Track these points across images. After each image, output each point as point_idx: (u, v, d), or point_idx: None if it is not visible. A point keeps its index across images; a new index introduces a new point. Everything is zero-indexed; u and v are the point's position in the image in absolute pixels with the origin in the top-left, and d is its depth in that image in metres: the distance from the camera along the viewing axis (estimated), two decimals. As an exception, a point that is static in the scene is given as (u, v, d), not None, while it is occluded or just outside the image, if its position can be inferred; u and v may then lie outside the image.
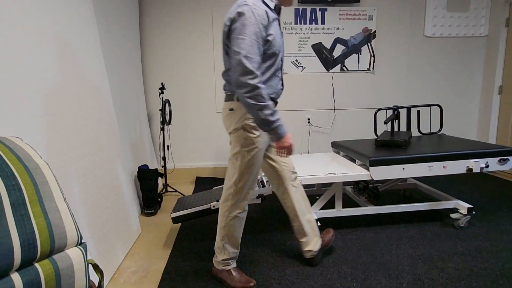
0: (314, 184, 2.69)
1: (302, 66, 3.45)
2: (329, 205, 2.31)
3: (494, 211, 2.46)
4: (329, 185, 2.18)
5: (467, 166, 2.08)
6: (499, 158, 2.10)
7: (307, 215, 1.70)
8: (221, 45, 1.43)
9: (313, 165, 2.25)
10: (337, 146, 2.58)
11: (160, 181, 3.13)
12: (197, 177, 3.43)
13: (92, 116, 1.77)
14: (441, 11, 3.48)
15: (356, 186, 2.44)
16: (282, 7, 1.41)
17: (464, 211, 2.15)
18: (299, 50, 3.42)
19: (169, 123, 2.91)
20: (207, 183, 3.29)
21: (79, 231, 0.87)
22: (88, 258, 0.89)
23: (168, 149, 3.03)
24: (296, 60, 3.44)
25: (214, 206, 1.97)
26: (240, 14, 1.25)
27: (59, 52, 1.53)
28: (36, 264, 0.78)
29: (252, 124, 1.40)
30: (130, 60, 2.89)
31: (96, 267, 0.94)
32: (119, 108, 2.48)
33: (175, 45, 3.32)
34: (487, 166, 2.09)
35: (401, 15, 3.48)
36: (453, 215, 2.18)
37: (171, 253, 1.93)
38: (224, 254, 1.59)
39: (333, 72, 3.50)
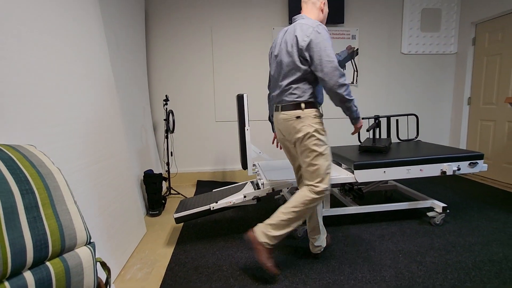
0: (305, 186, 2.68)
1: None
2: (318, 205, 2.30)
3: (466, 209, 2.47)
4: (318, 187, 2.19)
5: (441, 169, 2.09)
6: (469, 161, 2.11)
7: (320, 216, 1.71)
8: (284, 59, 1.48)
9: (304, 169, 2.24)
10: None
11: (164, 184, 3.10)
12: (198, 181, 3.41)
13: (104, 126, 1.75)
14: (416, 31, 3.54)
15: (342, 188, 2.43)
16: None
17: (439, 210, 2.16)
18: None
19: (172, 132, 2.89)
20: (207, 186, 3.27)
21: (88, 231, 0.85)
22: (96, 257, 0.87)
23: (171, 155, 3.00)
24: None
25: (213, 207, 1.95)
26: (319, 32, 1.39)
27: (73, 68, 1.52)
28: (48, 263, 0.75)
29: (321, 126, 1.48)
30: (138, 74, 2.89)
31: (103, 265, 0.91)
32: (128, 118, 2.47)
33: (178, 60, 3.32)
34: (458, 169, 2.10)
35: (380, 35, 3.53)
36: (430, 214, 2.19)
37: (174, 251, 1.90)
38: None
39: (320, 85, 3.52)
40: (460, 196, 2.81)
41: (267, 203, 2.74)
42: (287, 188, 2.54)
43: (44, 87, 1.29)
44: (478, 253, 1.79)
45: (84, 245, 0.84)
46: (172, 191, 3.00)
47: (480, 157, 2.12)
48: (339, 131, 3.59)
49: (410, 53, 3.59)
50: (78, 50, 1.59)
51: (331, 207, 2.16)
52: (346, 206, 2.23)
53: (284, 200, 2.70)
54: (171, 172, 3.14)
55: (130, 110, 2.55)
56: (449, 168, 2.08)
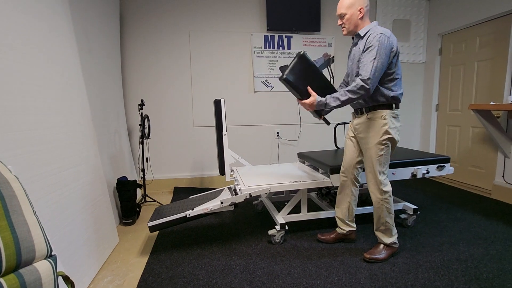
0: (283, 191, 2.69)
1: (271, 86, 3.50)
2: (296, 209, 2.31)
3: (435, 210, 2.58)
4: (295, 191, 2.19)
5: (411, 172, 2.17)
6: (437, 165, 2.21)
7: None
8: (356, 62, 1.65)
9: (282, 174, 2.26)
10: (303, 157, 2.61)
11: (139, 191, 3.00)
12: (175, 187, 3.34)
13: (73, 132, 1.67)
14: (387, 40, 3.70)
15: (319, 192, 2.47)
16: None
17: (411, 212, 2.23)
18: (268, 72, 3.47)
19: (148, 137, 2.82)
20: (184, 193, 3.20)
21: (49, 243, 0.80)
22: (58, 271, 0.82)
23: (147, 161, 2.92)
24: (266, 80, 3.48)
25: (189, 215, 1.90)
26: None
27: (37, 69, 1.44)
28: (1, 279, 0.69)
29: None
30: (112, 78, 2.80)
31: (66, 279, 0.86)
32: (100, 123, 2.38)
33: (155, 65, 3.26)
34: (428, 172, 2.19)
35: (354, 43, 3.65)
36: (402, 216, 2.26)
37: (148, 261, 1.83)
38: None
39: (298, 91, 3.58)
40: (429, 198, 2.93)
41: (245, 209, 2.72)
42: (265, 194, 2.54)
43: (3, 90, 1.20)
44: (446, 252, 1.86)
45: (44, 259, 0.78)
46: (147, 199, 2.91)
47: (447, 160, 2.23)
48: (315, 136, 3.66)
49: (383, 62, 3.74)
50: (45, 52, 1.51)
51: (308, 211, 2.18)
52: (323, 210, 2.26)
53: (262, 206, 2.69)
54: (146, 178, 3.06)
55: (103, 115, 2.46)
56: (419, 171, 2.17)
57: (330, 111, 1.75)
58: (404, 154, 2.37)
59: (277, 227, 2.00)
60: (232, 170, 2.47)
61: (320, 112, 1.76)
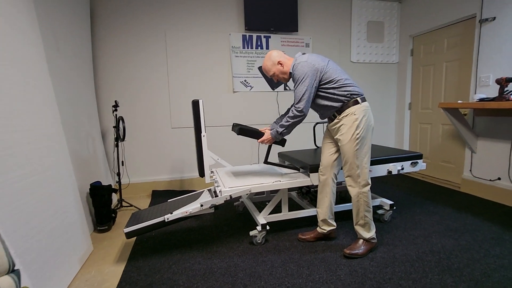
0: (264, 192, 2.69)
1: (250, 86, 3.49)
2: (277, 209, 2.32)
3: (409, 205, 2.68)
4: (276, 191, 2.20)
5: (387, 169, 2.24)
6: (411, 161, 2.30)
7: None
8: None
9: (262, 174, 2.26)
10: (283, 156, 2.62)
11: (115, 196, 2.90)
12: (153, 191, 3.27)
13: (39, 135, 1.57)
14: (363, 41, 3.81)
15: (300, 191, 2.49)
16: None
17: (387, 207, 2.31)
18: (247, 71, 3.46)
19: (123, 140, 2.72)
20: (163, 196, 3.14)
21: (10, 258, 0.74)
22: (23, 286, 0.76)
23: (122, 164, 2.83)
24: (245, 80, 3.47)
25: (168, 219, 1.86)
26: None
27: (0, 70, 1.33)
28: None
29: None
30: (83, 78, 2.67)
31: (33, 294, 0.79)
32: (71, 126, 2.26)
33: (129, 65, 3.15)
34: (402, 168, 2.27)
35: (332, 43, 3.73)
36: (379, 211, 2.33)
37: (125, 269, 1.76)
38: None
39: (277, 91, 3.60)
40: (404, 193, 3.05)
41: (226, 211, 2.69)
42: (246, 195, 2.53)
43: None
44: (421, 245, 1.94)
45: (6, 274, 0.72)
46: (123, 203, 2.82)
47: (420, 157, 2.33)
48: (294, 135, 3.69)
49: (359, 62, 3.84)
50: (6, 51, 1.41)
51: (289, 210, 2.19)
52: (304, 208, 2.28)
53: (243, 207, 2.68)
54: (122, 183, 2.96)
55: (73, 117, 2.35)
56: (394, 168, 2.24)
57: (288, 133, 1.91)
58: (379, 152, 2.44)
59: (259, 228, 2.00)
60: (212, 172, 2.44)
61: (282, 141, 2.00)
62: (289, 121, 1.83)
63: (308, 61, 1.78)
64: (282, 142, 2.03)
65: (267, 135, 1.96)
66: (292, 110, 1.82)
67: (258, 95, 3.55)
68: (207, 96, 3.38)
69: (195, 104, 2.02)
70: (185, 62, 3.28)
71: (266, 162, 2.12)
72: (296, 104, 1.79)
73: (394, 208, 2.36)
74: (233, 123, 2.13)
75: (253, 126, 3.56)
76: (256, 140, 1.98)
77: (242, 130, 1.97)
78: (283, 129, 1.86)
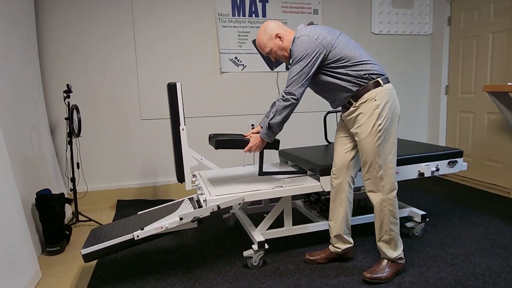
0: (261, 201, 2.71)
1: (243, 65, 3.49)
2: (278, 223, 2.33)
3: (446, 216, 2.73)
4: (277, 200, 2.21)
5: (418, 171, 2.28)
6: (448, 160, 2.34)
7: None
8: None
9: (259, 178, 2.27)
10: (285, 155, 2.63)
11: (69, 208, 2.90)
12: (118, 201, 3.28)
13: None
14: (387, 7, 3.82)
15: (307, 199, 2.51)
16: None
17: (418, 219, 2.35)
18: (238, 46, 3.46)
19: (78, 135, 2.72)
20: (131, 207, 3.14)
21: None
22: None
23: (78, 167, 2.82)
24: (236, 58, 3.47)
25: (138, 236, 1.87)
26: None
27: None
28: None
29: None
30: (24, 55, 2.65)
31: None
32: (9, 118, 2.25)
33: (85, 39, 3.13)
34: (437, 170, 2.31)
35: (347, 11, 3.73)
36: (408, 224, 2.36)
37: (83, 300, 1.77)
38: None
39: (278, 72, 3.60)
40: (440, 201, 3.09)
41: (212, 226, 2.70)
42: (239, 204, 2.54)
43: None
44: (461, 266, 1.98)
45: None
46: (81, 217, 2.84)
47: (460, 154, 2.36)
48: (300, 128, 3.71)
49: (382, 33, 3.87)
50: None
51: (294, 224, 2.21)
52: (313, 221, 2.30)
53: (235, 220, 2.69)
54: (78, 190, 2.95)
55: (12, 106, 2.34)
56: (427, 168, 2.28)
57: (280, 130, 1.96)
58: (408, 148, 2.47)
59: (255, 247, 2.02)
60: (194, 175, 2.45)
61: (275, 142, 2.04)
62: (278, 107, 1.86)
63: (310, 35, 1.79)
64: (275, 145, 2.06)
65: (254, 140, 1.99)
66: (281, 93, 1.86)
67: (253, 77, 3.55)
68: (187, 79, 3.38)
69: (172, 89, 2.02)
70: (158, 35, 3.28)
71: (262, 173, 2.16)
72: (287, 86, 1.83)
73: (427, 219, 2.40)
74: (209, 135, 2.17)
75: (246, 116, 3.58)
76: (242, 150, 2.01)
77: (221, 142, 2.01)
78: (272, 119, 1.88)
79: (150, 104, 3.33)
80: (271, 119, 1.88)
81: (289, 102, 1.84)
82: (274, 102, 2.05)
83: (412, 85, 4.06)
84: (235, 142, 2.03)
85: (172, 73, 3.35)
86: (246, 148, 2.00)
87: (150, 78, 3.30)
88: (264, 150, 2.08)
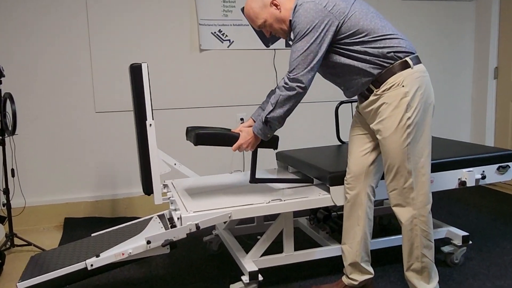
0: (253, 219, 2.71)
1: (229, 40, 3.50)
2: (276, 247, 2.34)
3: (495, 236, 2.75)
4: (274, 217, 2.21)
5: (459, 179, 2.29)
6: (497, 165, 2.35)
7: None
8: None
9: (251, 189, 2.27)
10: (284, 159, 2.63)
11: (1, 229, 2.88)
12: (66, 219, 3.28)
13: None
14: (417, -35, 3.85)
15: (314, 217, 2.52)
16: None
17: (459, 241, 2.36)
18: (223, 16, 3.46)
19: (13, 133, 2.71)
20: (83, 228, 3.14)
21: None
22: None
23: (13, 175, 2.80)
24: (220, 31, 3.47)
25: (92, 265, 1.86)
26: None
27: None
28: None
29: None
30: None
31: None
32: None
33: (20, 7, 3.12)
34: (483, 177, 2.32)
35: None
36: (445, 248, 2.38)
37: None
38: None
39: (275, 49, 3.61)
40: (487, 217, 3.11)
41: (190, 251, 2.70)
42: (224, 223, 2.54)
43: None
44: (513, 303, 2.00)
45: None
46: (16, 241, 2.84)
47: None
48: (304, 123, 3.71)
49: (411, -1, 3.89)
50: None
51: (296, 249, 2.21)
52: (321, 245, 2.31)
53: (219, 244, 2.70)
54: (13, 206, 2.94)
55: None
56: (470, 176, 2.29)
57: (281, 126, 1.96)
58: (446, 150, 2.49)
59: (245, 278, 2.02)
60: (165, 186, 2.44)
61: (273, 140, 2.05)
62: (279, 98, 1.85)
63: (316, 1, 1.80)
64: (272, 143, 2.05)
65: (246, 135, 1.99)
66: (283, 80, 1.85)
67: (243, 56, 3.56)
68: (156, 60, 3.39)
69: (136, 72, 2.02)
70: (117, 4, 3.28)
71: (254, 180, 2.15)
72: (291, 71, 1.83)
73: (470, 242, 2.42)
74: (187, 128, 2.16)
75: (233, 108, 3.58)
76: (231, 148, 2.00)
77: (202, 137, 2.00)
78: (271, 112, 1.88)
79: (108, 92, 3.33)
80: (269, 113, 1.88)
81: (294, 92, 1.83)
82: (273, 90, 2.05)
83: (451, 67, 4.09)
84: (221, 137, 2.03)
85: (137, 52, 3.35)
86: (234, 146, 2.00)
87: (107, 59, 3.30)
88: (259, 150, 2.08)
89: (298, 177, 2.45)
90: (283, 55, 3.60)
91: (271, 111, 1.87)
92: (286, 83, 1.83)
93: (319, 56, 1.80)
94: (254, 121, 2.04)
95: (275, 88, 1.94)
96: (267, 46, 3.59)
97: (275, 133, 2.01)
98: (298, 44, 1.80)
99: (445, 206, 3.40)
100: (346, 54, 1.84)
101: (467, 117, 4.19)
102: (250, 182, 2.17)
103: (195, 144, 2.00)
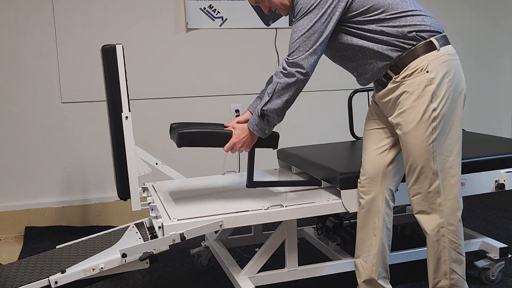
0: (250, 227, 2.72)
1: (221, 17, 3.50)
2: (277, 261, 2.34)
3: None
4: (274, 226, 2.21)
5: (496, 181, 2.29)
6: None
7: None
8: None
9: (247, 193, 2.27)
10: (287, 157, 2.63)
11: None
12: (27, 228, 3.28)
13: None
14: None
15: (322, 226, 2.52)
16: None
17: (496, 254, 2.36)
18: (214, -12, 3.47)
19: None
20: (47, 239, 3.15)
21: None
22: None
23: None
24: (210, 7, 3.48)
25: (57, 282, 1.86)
26: None
27: None
28: None
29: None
30: None
31: None
32: None
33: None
34: (525, 179, 2.32)
35: None
36: (479, 263, 2.37)
37: None
38: None
39: (276, 28, 3.61)
40: (528, 227, 3.11)
41: (174, 266, 2.71)
42: (215, 233, 2.54)
43: None
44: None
45: None
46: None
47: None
48: (310, 115, 3.71)
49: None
50: None
51: (301, 263, 2.20)
52: (330, 259, 2.31)
53: (210, 258, 2.70)
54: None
55: None
56: (509, 178, 2.28)
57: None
58: (480, 147, 2.49)
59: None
60: (145, 189, 2.45)
61: (272, 137, 2.05)
62: (277, 86, 1.86)
63: None
64: (271, 141, 2.05)
65: (240, 132, 1.99)
66: (281, 65, 1.86)
67: (238, 36, 3.56)
68: (134, 41, 3.40)
69: (109, 55, 2.02)
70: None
71: (251, 184, 2.15)
72: (290, 53, 1.83)
73: (509, 256, 2.42)
74: (171, 125, 2.16)
75: (227, 97, 3.57)
76: (222, 148, 2.00)
77: (187, 136, 2.00)
78: (267, 104, 1.88)
79: (76, 79, 3.33)
80: (266, 104, 1.87)
81: (293, 79, 1.82)
82: (272, 77, 2.05)
83: (488, 51, 4.09)
84: (210, 135, 2.02)
85: (111, 33, 3.36)
86: (226, 146, 1.99)
87: (76, 41, 3.31)
88: (256, 150, 2.08)
89: (303, 179, 2.44)
90: (286, 35, 3.60)
91: (268, 102, 1.87)
92: (284, 69, 1.83)
93: (324, 37, 1.79)
94: (251, 114, 2.03)
95: (273, 75, 1.93)
96: (267, 24, 3.58)
97: (274, 129, 2.01)
98: (300, 23, 1.80)
99: (479, 213, 3.40)
100: (358, 35, 1.84)
101: (507, 109, 4.19)
102: (247, 186, 2.16)
103: (179, 146, 2.00)
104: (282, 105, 1.86)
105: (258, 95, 2.13)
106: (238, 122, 2.06)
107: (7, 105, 3.26)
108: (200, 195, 2.28)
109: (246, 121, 2.02)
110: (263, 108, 1.87)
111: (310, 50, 1.79)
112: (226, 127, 2.07)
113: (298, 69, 1.80)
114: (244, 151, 2.04)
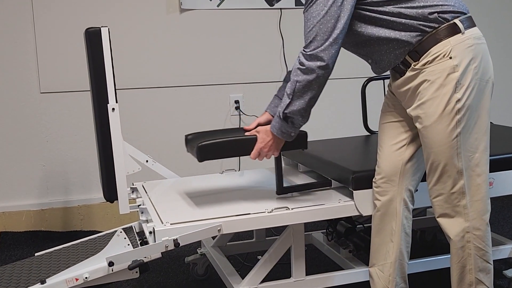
0: (251, 232, 2.72)
1: (220, -4, 3.50)
2: (282, 270, 2.35)
3: None
4: (279, 231, 2.21)
5: (527, 180, 2.29)
6: None
7: None
8: None
9: (247, 194, 2.28)
10: (294, 155, 2.65)
11: None
12: (2, 233, 3.30)
13: None
14: None
15: (332, 230, 2.52)
16: None
17: (527, 263, 2.37)
18: (211, -37, 3.46)
19: None
20: (24, 245, 3.17)
21: None
22: None
23: None
24: (207, -16, 3.48)
25: (36, 294, 1.87)
26: None
27: None
28: None
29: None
30: None
31: None
32: None
33: None
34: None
35: None
36: (509, 272, 2.39)
37: None
38: None
39: (280, 8, 3.61)
40: None
41: (167, 276, 2.72)
42: (212, 239, 2.55)
43: None
44: None
45: None
46: None
47: None
48: (322, 106, 3.72)
49: None
50: None
51: (309, 272, 2.21)
52: (342, 268, 2.31)
53: (206, 267, 2.71)
54: None
55: None
56: (543, 177, 2.29)
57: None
58: (510, 142, 2.49)
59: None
60: (134, 190, 2.46)
61: (300, 139, 2.05)
62: (296, 85, 1.85)
63: None
64: (300, 142, 2.05)
65: (265, 136, 1.97)
66: (298, 59, 1.86)
67: (237, 18, 3.57)
68: (121, 23, 3.40)
69: (93, 39, 2.03)
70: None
71: (282, 191, 2.16)
72: (307, 45, 1.83)
73: (541, 264, 2.44)
74: (186, 137, 2.16)
75: (226, 87, 3.57)
76: (249, 156, 2.00)
77: (207, 148, 1.99)
78: (289, 106, 1.88)
79: (56, 66, 3.34)
80: (287, 107, 1.87)
81: (313, 75, 1.81)
82: (289, 72, 2.03)
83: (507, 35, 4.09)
84: (233, 145, 2.01)
85: (95, 16, 3.37)
86: (253, 153, 1.99)
87: (56, 23, 3.32)
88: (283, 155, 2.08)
89: (311, 178, 2.44)
90: (292, 17, 3.60)
91: (289, 104, 1.86)
92: (301, 64, 1.82)
93: (344, 22, 1.78)
94: (272, 116, 2.03)
95: (290, 70, 1.92)
96: (271, 4, 3.58)
97: (302, 129, 2.00)
98: (313, 9, 1.78)
99: (509, 216, 3.40)
100: (374, 20, 1.83)
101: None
102: (278, 193, 2.17)
103: (200, 160, 2.00)
104: (305, 105, 1.86)
105: (276, 94, 2.12)
106: (259, 124, 2.06)
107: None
108: (195, 197, 2.29)
109: (267, 122, 2.02)
110: (285, 112, 1.86)
111: (330, 39, 1.77)
112: (246, 130, 2.07)
113: (318, 63, 1.78)
114: (271, 157, 2.03)
